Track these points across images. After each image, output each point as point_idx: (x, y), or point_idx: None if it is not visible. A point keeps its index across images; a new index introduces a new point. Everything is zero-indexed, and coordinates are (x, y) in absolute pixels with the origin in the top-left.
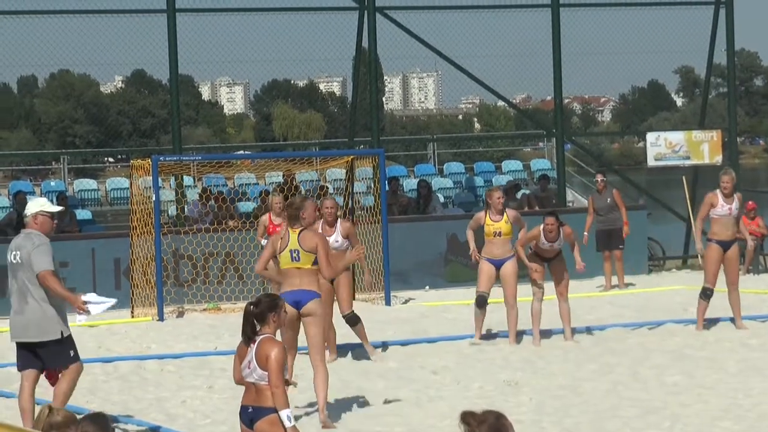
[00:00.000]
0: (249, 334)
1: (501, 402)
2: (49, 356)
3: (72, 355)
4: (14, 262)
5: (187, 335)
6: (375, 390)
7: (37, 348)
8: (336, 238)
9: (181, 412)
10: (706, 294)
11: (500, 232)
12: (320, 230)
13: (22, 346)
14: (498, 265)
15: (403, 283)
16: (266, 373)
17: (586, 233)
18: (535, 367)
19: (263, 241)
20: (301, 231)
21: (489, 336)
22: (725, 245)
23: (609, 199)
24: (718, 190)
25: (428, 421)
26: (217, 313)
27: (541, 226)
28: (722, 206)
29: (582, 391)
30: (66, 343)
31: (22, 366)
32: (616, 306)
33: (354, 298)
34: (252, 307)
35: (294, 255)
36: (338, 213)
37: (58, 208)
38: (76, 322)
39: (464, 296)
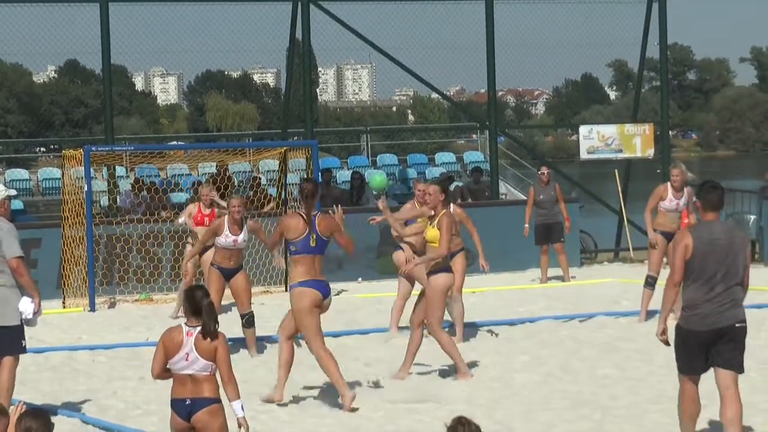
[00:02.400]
0: (213, 328)
1: (433, 393)
2: (2, 342)
3: (23, 345)
4: None
5: (118, 326)
6: (305, 381)
7: None
8: (244, 237)
9: (112, 403)
10: (649, 282)
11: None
12: (227, 228)
13: None
14: None
15: (337, 275)
16: (210, 363)
17: (526, 225)
18: (467, 358)
19: (181, 220)
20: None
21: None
22: (669, 237)
23: (553, 193)
24: (668, 183)
25: (362, 413)
26: (149, 304)
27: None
28: (671, 200)
29: (514, 383)
30: (21, 331)
31: None
32: (548, 298)
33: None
34: (209, 299)
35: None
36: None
37: (13, 192)
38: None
39: (396, 288)
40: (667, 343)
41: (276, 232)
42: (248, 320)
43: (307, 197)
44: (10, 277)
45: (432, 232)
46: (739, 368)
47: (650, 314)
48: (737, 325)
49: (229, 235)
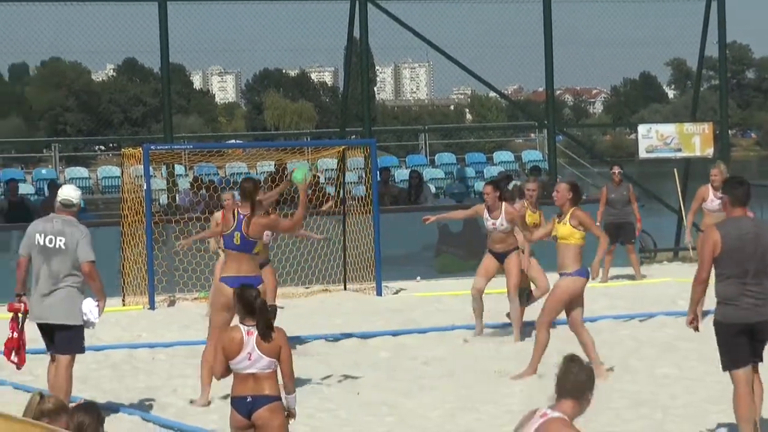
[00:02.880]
0: (266, 329)
1: (491, 393)
2: (63, 340)
3: (82, 345)
4: (52, 246)
5: (178, 324)
6: (366, 380)
7: (57, 330)
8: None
9: (171, 401)
10: None
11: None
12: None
13: (43, 329)
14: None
15: (395, 274)
16: (273, 361)
17: (598, 223)
18: (527, 357)
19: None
20: None
21: (497, 326)
22: None
23: (625, 192)
24: (709, 184)
25: (418, 411)
26: (208, 302)
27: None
28: (712, 200)
29: None
30: (81, 332)
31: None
32: (609, 297)
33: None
34: (258, 299)
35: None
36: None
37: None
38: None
39: (455, 287)
40: (696, 330)
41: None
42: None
43: (243, 196)
44: (80, 279)
45: (563, 229)
46: (761, 358)
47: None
48: None
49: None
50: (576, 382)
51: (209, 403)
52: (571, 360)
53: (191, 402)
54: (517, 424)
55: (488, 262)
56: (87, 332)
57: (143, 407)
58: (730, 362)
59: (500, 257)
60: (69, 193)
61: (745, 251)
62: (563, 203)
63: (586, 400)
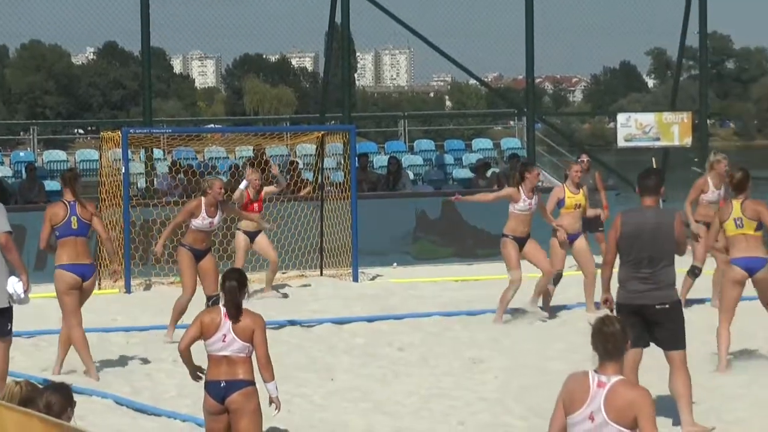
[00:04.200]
0: (236, 308)
1: (466, 380)
2: None
3: (9, 328)
4: None
5: (154, 308)
6: (341, 366)
7: None
8: (219, 219)
9: (146, 385)
10: (695, 272)
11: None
12: (204, 210)
13: None
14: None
15: (371, 260)
16: (247, 345)
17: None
18: (501, 345)
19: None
20: (743, 201)
21: (473, 313)
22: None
23: (591, 181)
24: (708, 177)
25: (394, 398)
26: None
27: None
28: (713, 191)
29: (548, 370)
30: (8, 314)
31: None
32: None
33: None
34: (233, 283)
35: (738, 222)
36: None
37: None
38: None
39: (431, 273)
40: (611, 310)
41: (45, 225)
42: (215, 302)
43: (66, 184)
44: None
45: None
46: (674, 346)
47: (688, 303)
48: (658, 306)
49: (206, 216)
50: (615, 341)
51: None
52: (602, 322)
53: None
54: (564, 393)
55: (514, 250)
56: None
57: (117, 391)
58: None
59: (522, 242)
60: None
61: (642, 239)
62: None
63: (627, 351)
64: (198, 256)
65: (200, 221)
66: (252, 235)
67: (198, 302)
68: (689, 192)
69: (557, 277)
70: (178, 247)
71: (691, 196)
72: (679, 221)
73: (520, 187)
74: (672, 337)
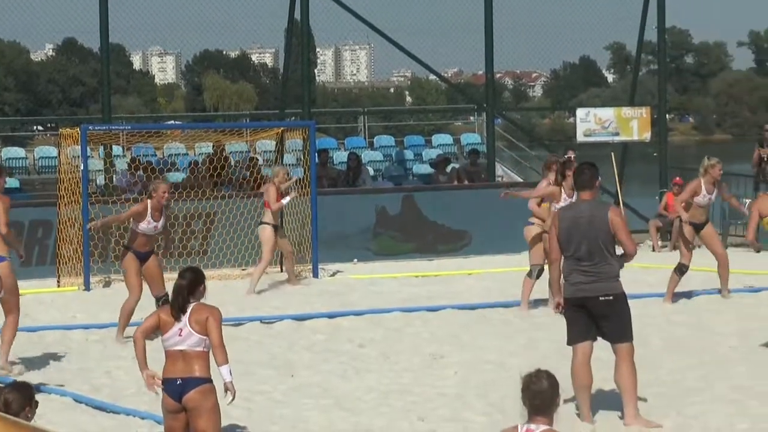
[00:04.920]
0: (180, 305)
1: (426, 375)
2: None
3: None
4: None
5: (113, 305)
6: (301, 362)
7: None
8: (163, 222)
9: (105, 383)
10: (682, 270)
11: None
12: (149, 214)
13: None
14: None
15: (332, 256)
16: (203, 339)
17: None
18: (462, 341)
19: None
20: None
21: (433, 309)
22: (699, 227)
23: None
24: (702, 180)
25: (355, 394)
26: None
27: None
28: (704, 195)
29: (509, 365)
30: None
31: None
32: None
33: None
34: (182, 281)
35: None
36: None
37: None
38: None
39: (392, 269)
40: (562, 314)
41: None
42: (165, 301)
43: None
44: None
45: None
46: (620, 338)
47: (675, 297)
48: (601, 298)
49: (151, 221)
50: (544, 397)
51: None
52: (530, 378)
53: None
54: None
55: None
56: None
57: (76, 389)
58: (569, 336)
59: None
60: None
61: (579, 232)
62: None
63: (556, 405)
64: (142, 258)
65: (146, 225)
66: (276, 229)
67: (146, 306)
68: (683, 191)
69: (539, 272)
70: (123, 250)
71: (683, 196)
72: (615, 213)
73: (561, 186)
74: (618, 330)
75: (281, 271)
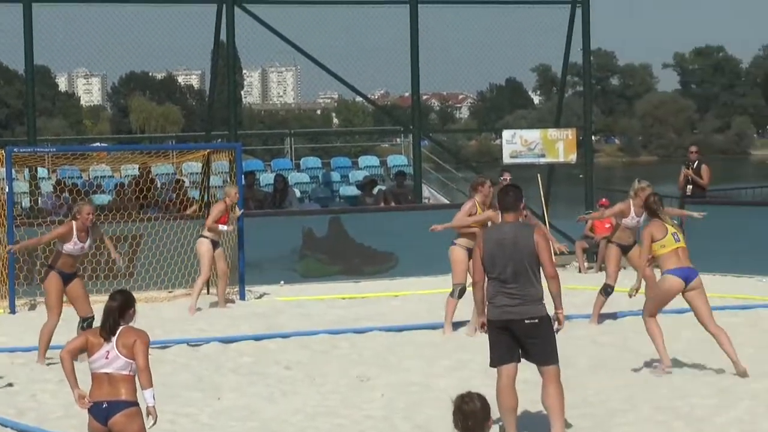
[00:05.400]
0: (111, 327)
1: (353, 397)
2: None
3: None
4: None
5: (38, 328)
6: (228, 384)
7: None
8: (90, 243)
9: (31, 406)
10: (608, 291)
11: None
12: (75, 235)
13: None
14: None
15: (258, 278)
16: (129, 362)
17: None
18: (388, 363)
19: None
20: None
21: (360, 331)
22: (626, 248)
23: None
24: (631, 202)
25: (281, 417)
26: (69, 307)
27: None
28: (632, 218)
29: (434, 387)
30: None
31: None
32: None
33: None
34: (113, 303)
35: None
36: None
37: None
38: None
39: (318, 291)
40: (485, 332)
41: None
42: (89, 324)
43: None
44: None
45: None
46: (547, 361)
47: (601, 318)
48: (527, 321)
49: (77, 242)
50: (476, 418)
51: None
52: (462, 399)
53: None
54: None
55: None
56: None
57: (2, 413)
58: (492, 358)
59: (626, 249)
60: None
61: (504, 254)
62: None
63: (488, 427)
64: (66, 279)
65: (71, 246)
66: (215, 244)
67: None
68: (611, 208)
69: (461, 291)
70: (46, 269)
71: (609, 212)
72: (540, 234)
73: (631, 202)
74: (543, 352)
75: (207, 293)
